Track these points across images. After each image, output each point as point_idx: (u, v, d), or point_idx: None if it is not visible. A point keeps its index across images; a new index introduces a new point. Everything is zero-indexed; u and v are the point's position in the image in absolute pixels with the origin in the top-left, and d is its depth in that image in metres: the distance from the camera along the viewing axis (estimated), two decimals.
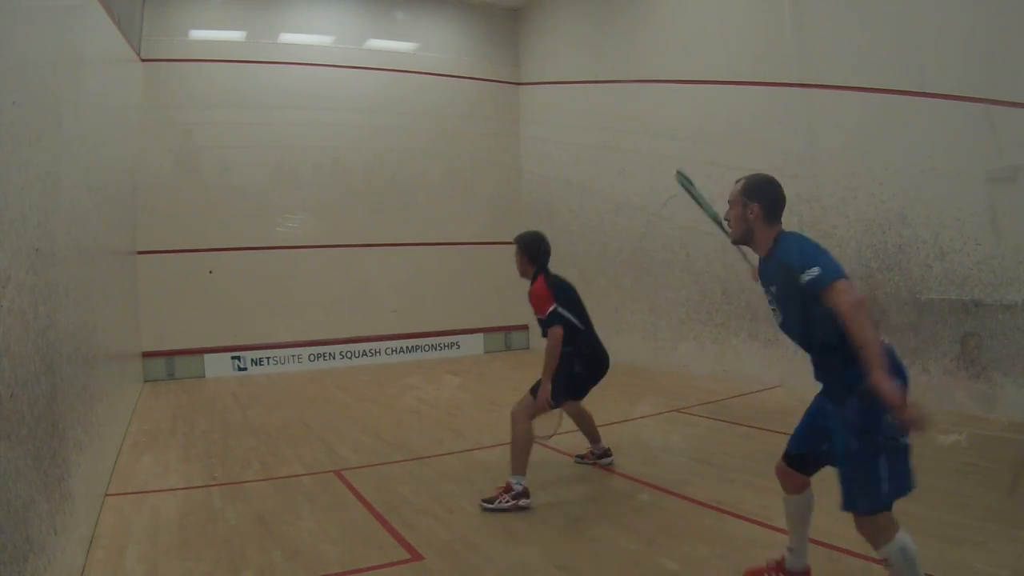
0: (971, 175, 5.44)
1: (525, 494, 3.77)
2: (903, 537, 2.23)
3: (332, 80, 10.31)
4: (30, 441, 2.37)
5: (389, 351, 10.53)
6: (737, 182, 2.56)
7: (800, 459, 2.52)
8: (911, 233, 5.90)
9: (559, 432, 5.41)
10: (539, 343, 3.98)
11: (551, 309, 3.95)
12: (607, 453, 4.57)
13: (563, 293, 4.08)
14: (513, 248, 4.21)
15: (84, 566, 3.15)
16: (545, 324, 4.00)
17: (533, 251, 4.13)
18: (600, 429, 4.64)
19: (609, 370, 4.23)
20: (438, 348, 10.90)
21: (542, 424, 4.00)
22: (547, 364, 3.92)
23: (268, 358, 9.76)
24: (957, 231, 5.56)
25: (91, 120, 4.63)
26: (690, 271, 8.36)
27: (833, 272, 2.23)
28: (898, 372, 2.11)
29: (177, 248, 9.40)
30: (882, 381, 1.97)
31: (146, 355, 9.06)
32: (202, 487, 4.40)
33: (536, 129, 11.34)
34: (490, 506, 3.74)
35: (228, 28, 9.87)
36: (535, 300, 4.04)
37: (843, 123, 6.49)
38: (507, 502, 3.73)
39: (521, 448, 3.86)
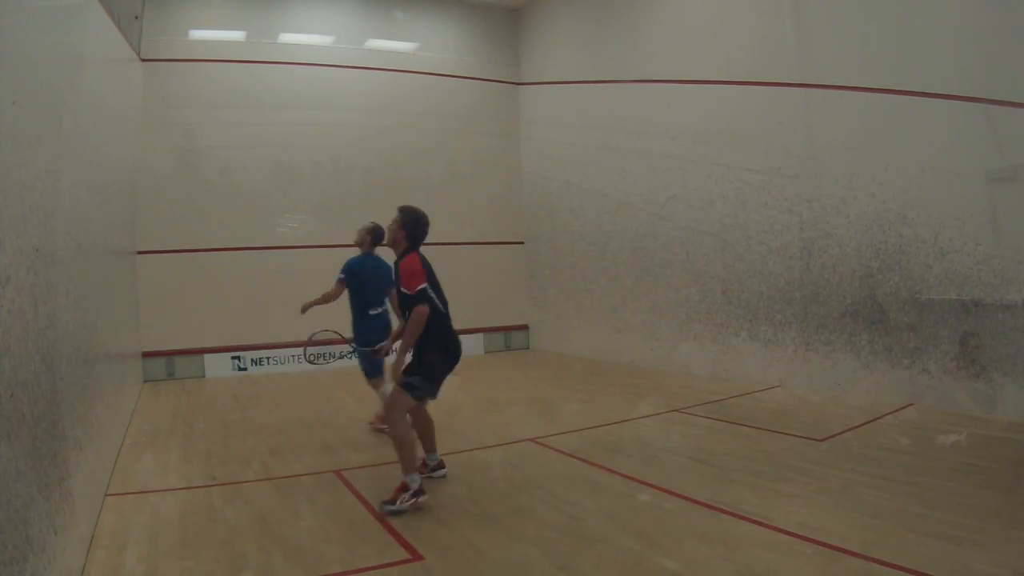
0: (971, 175, 5.44)
1: (422, 491, 3.80)
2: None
3: (332, 80, 10.31)
4: (30, 441, 2.37)
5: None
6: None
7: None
8: (911, 233, 5.91)
9: (560, 432, 5.41)
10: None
11: (421, 287, 3.92)
12: (440, 465, 4.42)
13: (432, 275, 4.08)
14: (400, 219, 4.24)
15: (84, 566, 3.15)
16: (413, 301, 3.91)
17: (412, 226, 4.18)
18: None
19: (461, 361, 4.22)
20: None
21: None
22: (406, 341, 3.93)
23: (268, 358, 9.76)
24: (957, 231, 5.56)
25: (91, 120, 4.62)
26: (690, 271, 8.37)
27: None
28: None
29: (177, 248, 9.40)
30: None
31: (146, 355, 9.06)
32: (202, 487, 4.40)
33: (536, 129, 11.35)
34: (392, 507, 3.72)
35: (228, 28, 9.87)
36: (406, 274, 3.98)
37: (843, 123, 6.50)
38: (407, 502, 3.74)
39: (406, 446, 3.86)
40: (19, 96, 2.42)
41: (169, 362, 9.30)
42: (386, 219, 4.40)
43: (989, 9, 5.36)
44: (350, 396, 7.66)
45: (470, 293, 11.05)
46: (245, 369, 9.64)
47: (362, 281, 5.45)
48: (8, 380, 2.13)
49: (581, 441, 5.06)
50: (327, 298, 5.39)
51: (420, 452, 4.27)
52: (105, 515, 3.84)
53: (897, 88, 5.92)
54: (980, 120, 5.32)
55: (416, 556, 3.17)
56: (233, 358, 9.61)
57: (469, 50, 11.41)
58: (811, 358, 6.86)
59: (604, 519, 3.56)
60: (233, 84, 9.75)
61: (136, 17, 8.16)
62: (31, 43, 2.78)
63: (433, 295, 3.97)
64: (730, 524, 3.40)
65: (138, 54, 8.75)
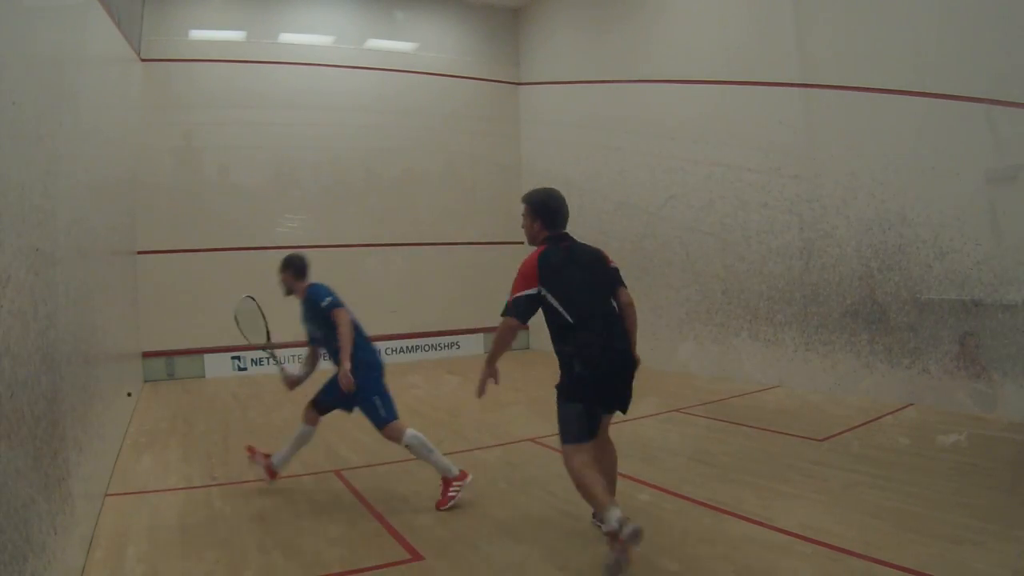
0: (971, 175, 5.44)
1: (621, 527, 2.74)
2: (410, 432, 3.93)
3: (332, 80, 10.30)
4: (30, 441, 2.37)
5: (389, 351, 10.51)
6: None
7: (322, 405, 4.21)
8: (911, 233, 5.91)
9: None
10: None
11: (512, 297, 3.18)
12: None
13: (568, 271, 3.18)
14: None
15: (84, 566, 3.15)
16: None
17: (543, 209, 3.35)
18: None
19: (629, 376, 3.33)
20: (438, 348, 10.89)
21: None
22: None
23: (268, 358, 9.74)
24: (957, 231, 5.56)
25: (91, 120, 4.62)
26: (690, 271, 8.36)
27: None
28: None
29: (177, 248, 9.40)
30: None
31: (146, 355, 9.05)
32: (202, 487, 4.40)
33: (536, 129, 11.34)
34: (608, 566, 2.82)
35: (228, 28, 9.87)
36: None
37: (843, 123, 6.49)
38: (614, 552, 2.79)
39: (583, 489, 2.99)
40: (19, 96, 2.42)
41: (169, 362, 9.30)
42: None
43: (989, 9, 5.36)
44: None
45: (470, 293, 11.08)
46: (245, 369, 9.63)
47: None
48: (8, 380, 2.13)
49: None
50: None
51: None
52: (105, 515, 3.84)
53: (897, 88, 5.92)
54: (980, 120, 5.32)
55: (416, 556, 3.17)
56: (233, 358, 9.60)
57: (469, 50, 11.41)
58: (811, 358, 6.86)
59: None
60: (233, 84, 9.75)
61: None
62: (31, 43, 2.78)
63: (552, 301, 3.12)
64: (730, 524, 3.40)
65: (138, 54, 8.75)
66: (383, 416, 3.96)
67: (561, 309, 3.11)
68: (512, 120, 11.66)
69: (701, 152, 8.09)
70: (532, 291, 3.11)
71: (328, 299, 4.13)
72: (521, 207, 3.41)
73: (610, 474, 3.25)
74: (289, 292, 4.41)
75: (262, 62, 9.92)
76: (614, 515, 2.76)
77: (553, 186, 3.66)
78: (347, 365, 3.88)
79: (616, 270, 3.40)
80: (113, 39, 6.30)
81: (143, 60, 9.04)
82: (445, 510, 3.78)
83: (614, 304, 3.30)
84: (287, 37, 10.15)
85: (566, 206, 3.41)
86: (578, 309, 3.11)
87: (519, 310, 3.13)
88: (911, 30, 5.86)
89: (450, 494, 3.83)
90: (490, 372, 3.35)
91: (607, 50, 9.72)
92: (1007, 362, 5.22)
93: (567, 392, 3.10)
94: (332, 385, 4.14)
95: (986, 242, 5.38)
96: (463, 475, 3.90)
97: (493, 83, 11.51)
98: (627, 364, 3.25)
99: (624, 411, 3.27)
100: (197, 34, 9.63)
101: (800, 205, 6.95)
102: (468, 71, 11.31)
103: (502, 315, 3.18)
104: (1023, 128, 5.08)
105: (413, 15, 10.98)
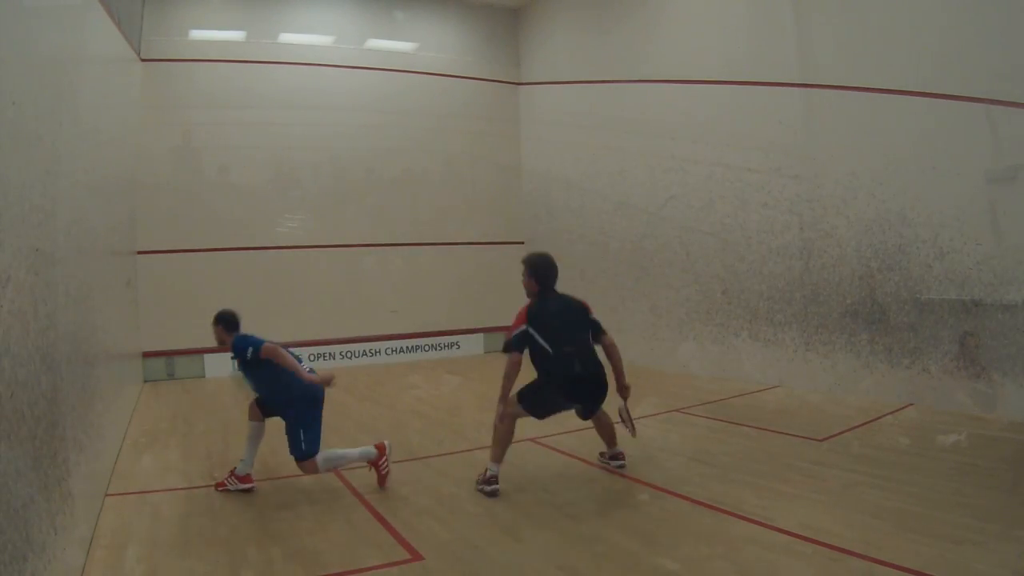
0: (971, 175, 5.44)
1: (492, 481, 4.03)
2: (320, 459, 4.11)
3: (332, 80, 10.30)
4: (30, 441, 2.37)
5: (389, 351, 10.53)
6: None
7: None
8: (911, 233, 5.91)
9: (560, 432, 5.41)
10: None
11: (509, 337, 4.09)
12: (617, 456, 4.48)
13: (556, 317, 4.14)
14: (520, 266, 4.34)
15: (84, 566, 3.15)
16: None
17: (535, 270, 4.27)
18: None
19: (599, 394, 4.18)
20: (438, 348, 10.89)
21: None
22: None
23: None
24: (957, 231, 5.56)
25: (91, 120, 4.62)
26: (690, 271, 8.37)
27: None
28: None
29: (177, 248, 9.40)
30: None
31: (146, 355, 9.06)
32: (202, 487, 4.40)
33: (536, 129, 11.35)
34: (477, 486, 4.07)
35: (228, 28, 9.87)
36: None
37: (843, 123, 6.49)
38: (481, 486, 4.06)
39: (500, 438, 4.15)
40: (19, 96, 2.42)
41: (169, 362, 9.29)
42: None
43: (990, 9, 5.36)
44: (350, 396, 7.66)
45: (470, 293, 11.08)
46: None
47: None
48: (8, 380, 2.13)
49: (581, 441, 5.05)
50: None
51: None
52: (105, 515, 3.84)
53: (897, 88, 5.92)
54: (980, 120, 5.32)
55: (416, 556, 3.17)
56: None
57: (469, 50, 11.41)
58: (811, 358, 6.86)
59: (603, 519, 3.56)
60: (233, 84, 9.75)
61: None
62: (31, 43, 2.78)
63: (537, 337, 4.04)
64: (730, 524, 3.40)
65: (138, 54, 8.75)
66: (302, 450, 4.10)
67: (542, 342, 4.05)
68: (512, 120, 11.66)
69: (701, 152, 8.09)
70: (523, 327, 4.06)
71: (250, 348, 4.18)
72: (521, 267, 4.33)
73: (608, 430, 4.44)
74: (222, 343, 4.49)
75: (262, 62, 9.92)
76: (496, 468, 4.07)
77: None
78: (316, 375, 4.32)
79: (596, 321, 4.27)
80: (113, 39, 6.30)
81: (143, 60, 9.04)
82: (386, 485, 4.19)
83: (589, 341, 4.19)
84: (287, 37, 10.15)
85: (556, 269, 4.31)
86: (555, 342, 4.05)
87: (517, 343, 4.04)
88: (911, 30, 5.86)
89: (383, 472, 4.22)
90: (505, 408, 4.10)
91: (607, 50, 9.72)
92: (1007, 362, 5.22)
93: (539, 383, 4.15)
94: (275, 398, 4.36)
95: (986, 242, 5.38)
96: (382, 447, 4.26)
97: (493, 83, 11.51)
98: (595, 379, 4.13)
99: (594, 409, 4.29)
100: (197, 34, 9.63)
101: (800, 205, 6.95)
102: (468, 71, 11.30)
103: (504, 351, 4.08)
104: (1023, 128, 5.08)
105: (413, 15, 10.99)
